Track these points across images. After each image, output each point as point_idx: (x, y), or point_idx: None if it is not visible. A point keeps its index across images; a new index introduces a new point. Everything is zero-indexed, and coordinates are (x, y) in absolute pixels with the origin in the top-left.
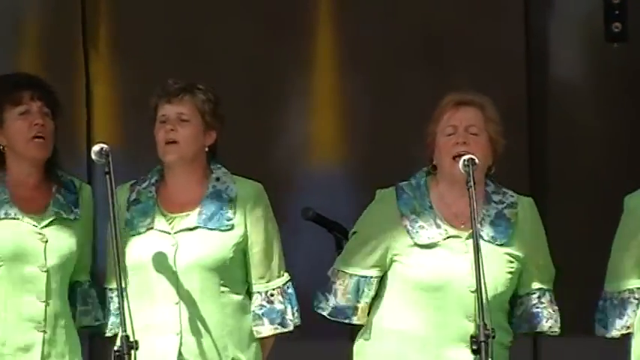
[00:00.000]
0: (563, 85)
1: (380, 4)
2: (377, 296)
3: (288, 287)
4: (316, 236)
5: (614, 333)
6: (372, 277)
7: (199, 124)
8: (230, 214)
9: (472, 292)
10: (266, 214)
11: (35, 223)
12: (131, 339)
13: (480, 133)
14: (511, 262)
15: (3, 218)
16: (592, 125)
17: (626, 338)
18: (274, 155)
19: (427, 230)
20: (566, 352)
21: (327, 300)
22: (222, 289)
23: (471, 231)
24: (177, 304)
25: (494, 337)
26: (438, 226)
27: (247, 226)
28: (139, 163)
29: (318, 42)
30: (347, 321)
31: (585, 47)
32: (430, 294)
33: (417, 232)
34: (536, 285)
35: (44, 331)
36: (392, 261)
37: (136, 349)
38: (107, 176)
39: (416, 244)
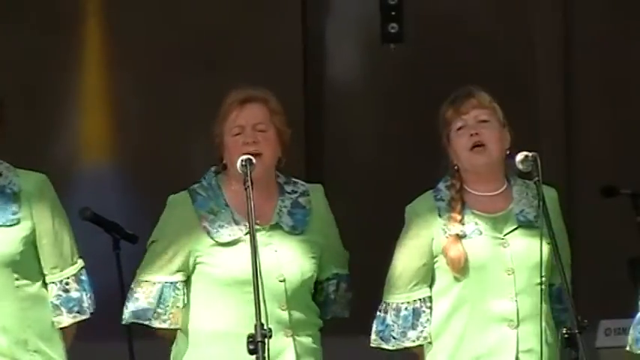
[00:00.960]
0: (339, 85)
1: (152, 3)
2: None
3: (82, 274)
4: (94, 236)
5: (408, 344)
6: (177, 283)
7: None
8: (15, 208)
9: (281, 281)
10: (52, 204)
11: None
12: None
13: (268, 128)
14: (312, 248)
15: None
16: (368, 125)
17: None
18: (49, 156)
19: (227, 228)
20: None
21: (127, 307)
22: (18, 283)
23: (272, 223)
24: None
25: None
26: (237, 223)
27: (34, 217)
28: None
29: (88, 40)
30: (147, 323)
31: (362, 48)
32: (240, 289)
33: (217, 231)
34: (333, 270)
35: None
36: (195, 263)
37: None
38: None
39: (218, 243)
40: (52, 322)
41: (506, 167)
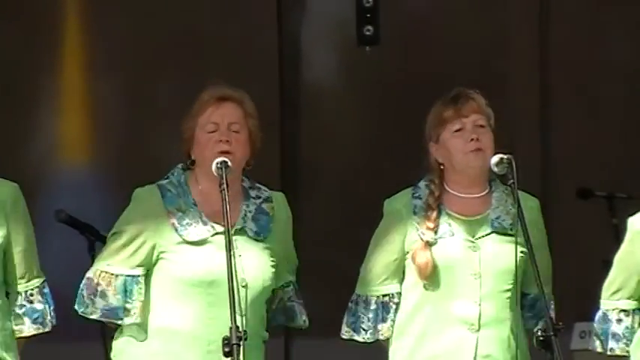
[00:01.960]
0: (315, 86)
1: (130, 4)
2: (152, 297)
3: (44, 287)
4: (70, 238)
5: (380, 337)
6: (139, 276)
7: None
8: None
9: (243, 286)
10: (25, 214)
11: None
12: None
13: (241, 130)
14: (273, 255)
15: None
16: (344, 126)
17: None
18: (25, 157)
19: (195, 227)
20: (318, 353)
21: (94, 303)
22: None
23: (238, 227)
24: None
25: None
26: (205, 223)
27: (8, 226)
28: None
29: (67, 43)
30: (120, 322)
31: (338, 50)
32: (202, 290)
33: (185, 229)
34: (288, 277)
35: None
36: (158, 259)
37: None
38: None
39: (185, 242)
40: (13, 331)
41: (490, 172)
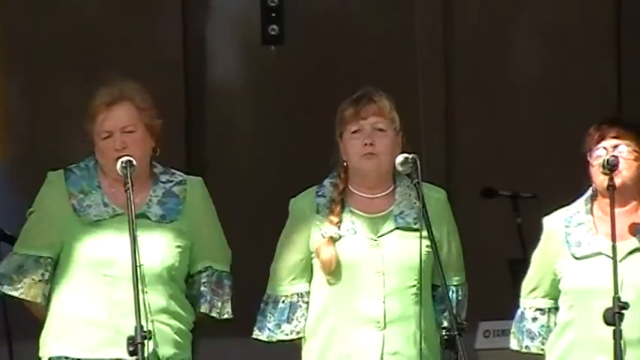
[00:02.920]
0: (220, 85)
1: (32, 3)
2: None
3: None
4: None
5: (281, 337)
6: (42, 257)
7: None
8: None
9: (138, 267)
10: None
11: None
12: None
13: (136, 128)
14: (180, 238)
15: None
16: (248, 124)
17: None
18: None
19: (94, 209)
20: (223, 353)
21: None
22: None
23: (138, 212)
24: None
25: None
26: (106, 205)
27: None
28: None
29: None
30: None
31: (242, 48)
32: (98, 270)
33: (84, 210)
34: (206, 263)
35: None
36: (63, 242)
37: None
38: None
39: (83, 222)
40: None
41: (395, 169)
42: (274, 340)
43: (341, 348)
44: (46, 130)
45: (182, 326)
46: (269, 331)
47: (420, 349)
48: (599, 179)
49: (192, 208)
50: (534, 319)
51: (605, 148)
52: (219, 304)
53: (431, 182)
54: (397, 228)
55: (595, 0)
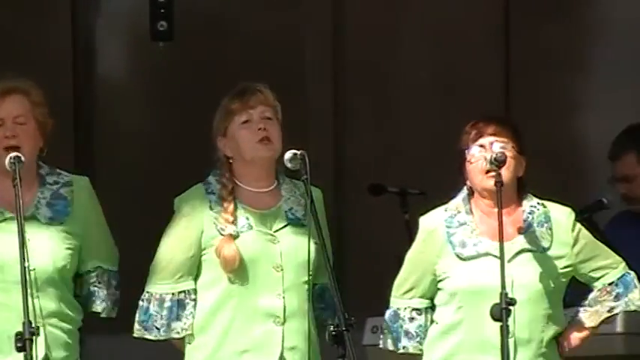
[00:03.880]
0: (109, 82)
1: None
2: None
3: None
4: None
5: (173, 335)
6: None
7: None
8: None
9: (31, 270)
10: None
11: None
12: None
13: (28, 121)
14: (70, 239)
15: None
16: (138, 122)
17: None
18: None
19: None
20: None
21: None
22: None
23: (28, 214)
24: None
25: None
26: None
27: None
28: None
29: None
30: None
31: (131, 45)
32: None
33: None
34: (95, 263)
35: None
36: None
37: None
38: None
39: None
40: None
41: (276, 166)
42: (164, 338)
43: (238, 344)
44: None
45: (71, 327)
46: (157, 330)
47: (317, 345)
48: (478, 178)
49: (80, 208)
50: (411, 319)
51: (482, 145)
52: (110, 303)
53: (320, 178)
54: (289, 224)
55: None
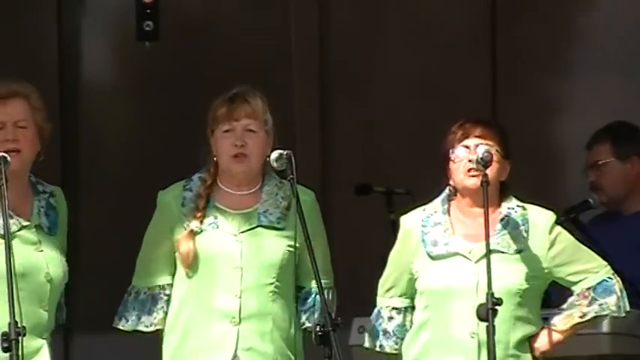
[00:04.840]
0: (95, 81)
1: None
2: None
3: None
4: None
5: (141, 328)
6: None
7: None
8: None
9: (48, 281)
10: None
11: None
12: None
13: (28, 125)
14: (62, 250)
15: None
16: (124, 122)
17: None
18: None
19: None
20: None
21: None
22: None
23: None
24: None
25: None
26: None
27: None
28: None
29: None
30: None
31: (117, 45)
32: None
33: None
34: (66, 277)
35: None
36: None
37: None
38: None
39: None
40: None
41: (264, 167)
42: (129, 329)
43: (196, 342)
44: None
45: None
46: (129, 321)
47: (280, 348)
48: (460, 177)
49: (62, 219)
50: (390, 318)
51: (467, 146)
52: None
53: (306, 178)
54: (259, 226)
55: None
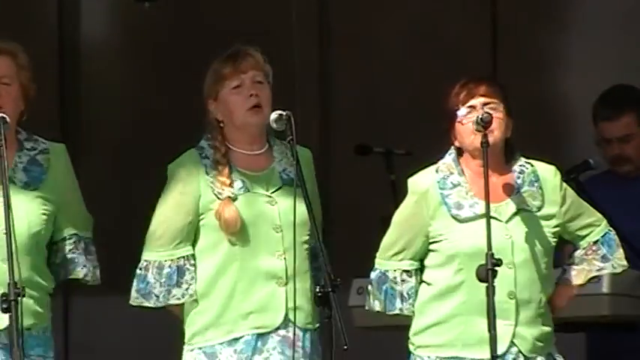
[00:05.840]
0: (94, 42)
1: None
2: None
3: None
4: None
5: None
6: None
7: None
8: None
9: (4, 234)
10: None
11: None
12: None
13: (12, 82)
14: (45, 205)
15: None
16: (122, 83)
17: None
18: None
19: None
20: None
21: None
22: None
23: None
24: None
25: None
26: None
27: None
28: None
29: None
30: None
31: (116, 5)
32: None
33: None
34: (71, 230)
35: None
36: None
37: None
38: None
39: None
40: None
41: (266, 128)
42: (161, 306)
43: (242, 306)
44: None
45: (42, 296)
46: (156, 297)
47: (315, 306)
48: (470, 138)
49: (56, 176)
50: (403, 281)
51: (473, 106)
52: (92, 269)
53: (306, 138)
54: (284, 184)
55: None
